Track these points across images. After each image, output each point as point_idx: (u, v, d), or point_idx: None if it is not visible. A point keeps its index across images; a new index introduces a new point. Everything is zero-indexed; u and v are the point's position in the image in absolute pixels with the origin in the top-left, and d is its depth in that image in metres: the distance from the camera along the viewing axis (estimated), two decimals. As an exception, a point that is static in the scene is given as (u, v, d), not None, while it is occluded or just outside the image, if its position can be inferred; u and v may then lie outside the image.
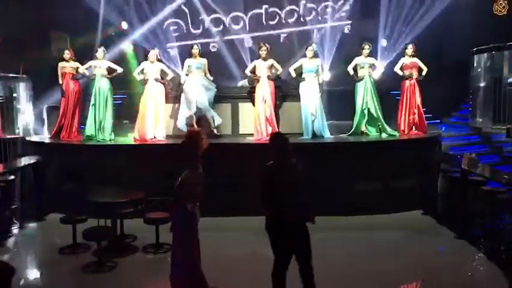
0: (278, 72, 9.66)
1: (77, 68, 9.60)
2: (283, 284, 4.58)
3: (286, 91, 9.99)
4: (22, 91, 10.32)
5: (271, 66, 9.45)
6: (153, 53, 9.44)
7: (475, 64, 11.08)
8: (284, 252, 4.52)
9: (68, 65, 9.58)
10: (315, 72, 9.37)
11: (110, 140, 9.34)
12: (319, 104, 9.39)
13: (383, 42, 14.21)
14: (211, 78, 9.59)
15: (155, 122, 9.29)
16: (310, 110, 9.31)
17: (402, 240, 7.03)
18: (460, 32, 12.23)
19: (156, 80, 9.31)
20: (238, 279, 5.71)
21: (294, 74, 9.57)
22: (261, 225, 4.60)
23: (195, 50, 9.49)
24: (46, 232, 7.79)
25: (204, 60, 9.56)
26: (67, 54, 9.60)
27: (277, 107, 9.62)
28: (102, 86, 9.38)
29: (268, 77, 9.36)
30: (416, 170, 8.62)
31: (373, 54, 9.97)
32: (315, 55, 9.56)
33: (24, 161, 8.76)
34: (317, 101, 9.36)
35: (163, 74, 9.48)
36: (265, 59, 9.42)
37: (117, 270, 6.16)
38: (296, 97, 9.55)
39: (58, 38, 13.01)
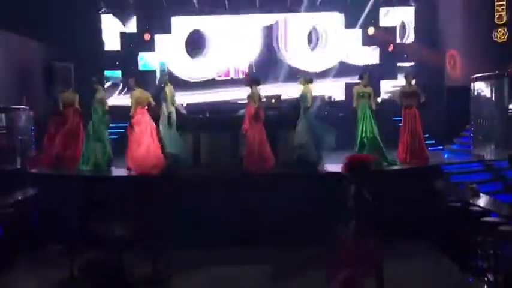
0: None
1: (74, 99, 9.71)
2: None
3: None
4: (24, 122, 10.38)
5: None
6: (132, 81, 9.51)
7: (475, 91, 11.05)
8: None
9: (65, 95, 9.74)
10: (303, 101, 9.39)
11: (107, 170, 9.36)
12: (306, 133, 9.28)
13: (369, 31, 14.18)
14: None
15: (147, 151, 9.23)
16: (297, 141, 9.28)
17: (406, 272, 6.88)
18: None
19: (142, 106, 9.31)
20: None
21: None
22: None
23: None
24: (45, 264, 7.71)
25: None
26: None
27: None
28: (99, 118, 9.47)
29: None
30: (418, 200, 8.51)
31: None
32: (306, 82, 9.55)
33: (25, 193, 8.76)
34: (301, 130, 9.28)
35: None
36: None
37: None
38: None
39: (62, 68, 13.16)
